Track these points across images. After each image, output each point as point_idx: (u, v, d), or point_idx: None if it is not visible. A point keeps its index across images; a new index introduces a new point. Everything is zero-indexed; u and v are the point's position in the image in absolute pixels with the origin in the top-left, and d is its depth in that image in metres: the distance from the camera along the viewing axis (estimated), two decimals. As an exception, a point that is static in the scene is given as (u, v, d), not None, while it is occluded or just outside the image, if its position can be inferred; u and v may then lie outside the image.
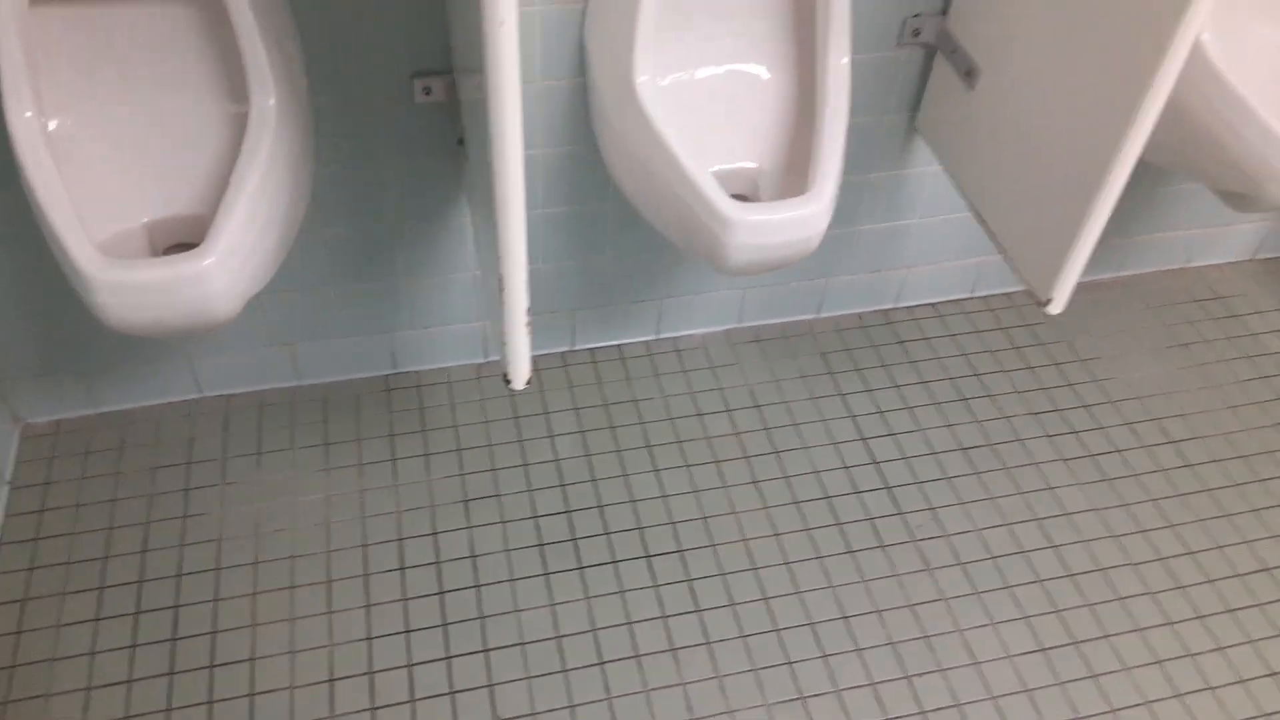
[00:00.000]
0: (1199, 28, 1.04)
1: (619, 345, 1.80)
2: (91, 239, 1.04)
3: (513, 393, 1.61)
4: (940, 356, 1.82)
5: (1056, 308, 1.25)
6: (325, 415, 1.64)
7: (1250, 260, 2.05)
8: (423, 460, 1.59)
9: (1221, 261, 2.03)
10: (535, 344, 1.72)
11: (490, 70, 0.85)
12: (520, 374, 1.13)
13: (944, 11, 1.44)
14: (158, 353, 1.59)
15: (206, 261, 1.04)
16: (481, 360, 1.75)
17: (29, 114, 1.07)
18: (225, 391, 1.66)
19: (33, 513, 1.49)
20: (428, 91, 1.35)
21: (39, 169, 1.05)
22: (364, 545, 1.48)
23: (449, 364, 1.74)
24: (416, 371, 1.72)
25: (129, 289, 1.04)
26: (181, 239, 1.22)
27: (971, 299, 1.92)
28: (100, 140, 1.17)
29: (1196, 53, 1.29)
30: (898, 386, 1.76)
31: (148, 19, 1.15)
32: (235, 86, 1.19)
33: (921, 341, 1.84)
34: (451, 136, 1.42)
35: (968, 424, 1.71)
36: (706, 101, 1.33)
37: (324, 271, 1.54)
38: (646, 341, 1.81)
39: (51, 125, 1.13)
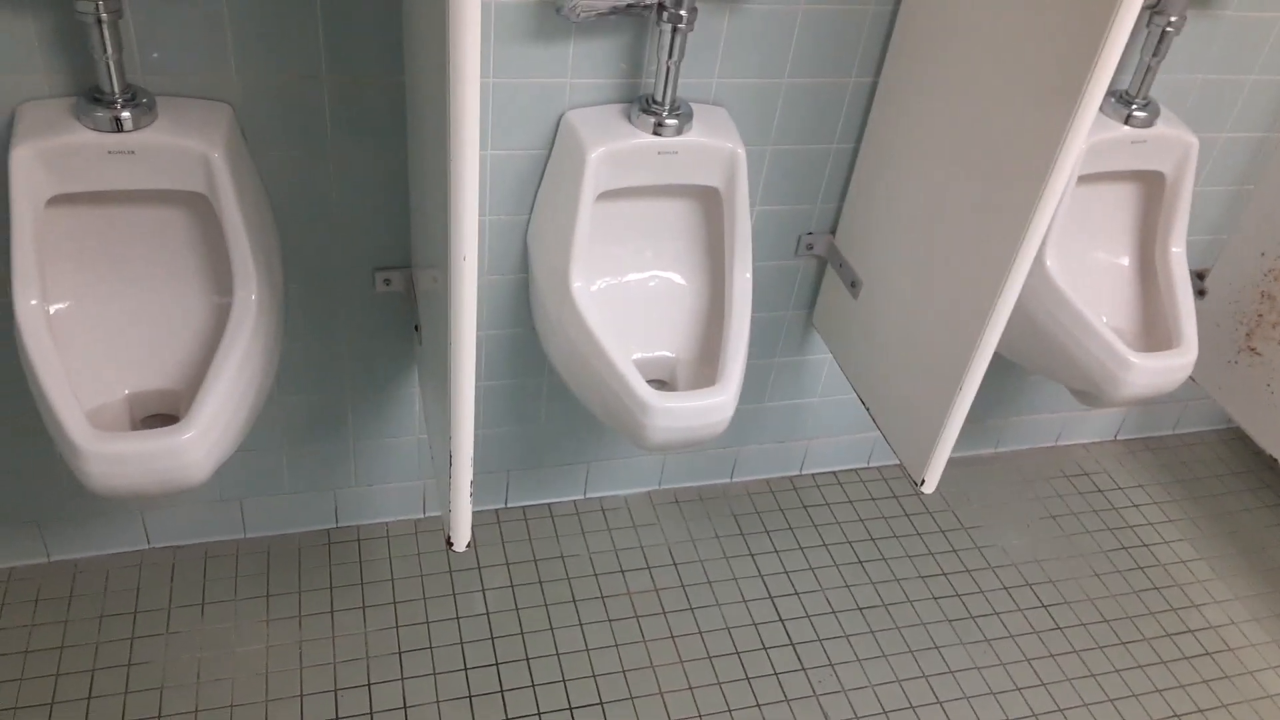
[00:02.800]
0: (1034, 251, 1.27)
1: (549, 504, 1.95)
2: (80, 410, 1.18)
3: (453, 553, 1.73)
4: (840, 521, 2.00)
5: (929, 488, 1.44)
6: (268, 567, 1.74)
7: (1112, 440, 2.30)
8: (360, 613, 1.70)
9: (1087, 441, 2.29)
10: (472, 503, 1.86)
11: (453, 294, 1.04)
12: (462, 537, 1.27)
13: (833, 231, 1.69)
14: (109, 505, 1.68)
15: (186, 436, 1.18)
16: (420, 516, 1.87)
17: (34, 301, 1.21)
18: (173, 543, 1.75)
19: (-21, 659, 1.55)
20: (388, 282, 1.54)
21: (40, 350, 1.19)
22: (301, 695, 1.57)
23: (389, 519, 1.86)
24: (357, 526, 1.84)
25: (114, 459, 1.17)
26: (158, 410, 1.36)
27: (868, 468, 2.12)
28: (94, 322, 1.32)
29: (1042, 273, 1.55)
30: (802, 548, 1.93)
31: (147, 219, 1.32)
32: (219, 278, 1.35)
33: (823, 507, 2.03)
34: (408, 322, 1.59)
35: (864, 585, 1.88)
36: (632, 301, 1.53)
37: (279, 433, 1.67)
38: (575, 501, 1.96)
39: (53, 309, 1.28)
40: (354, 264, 1.52)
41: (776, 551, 1.92)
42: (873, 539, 1.98)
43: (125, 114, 1.21)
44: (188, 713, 1.52)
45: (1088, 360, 1.54)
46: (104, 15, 1.16)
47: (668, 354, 1.54)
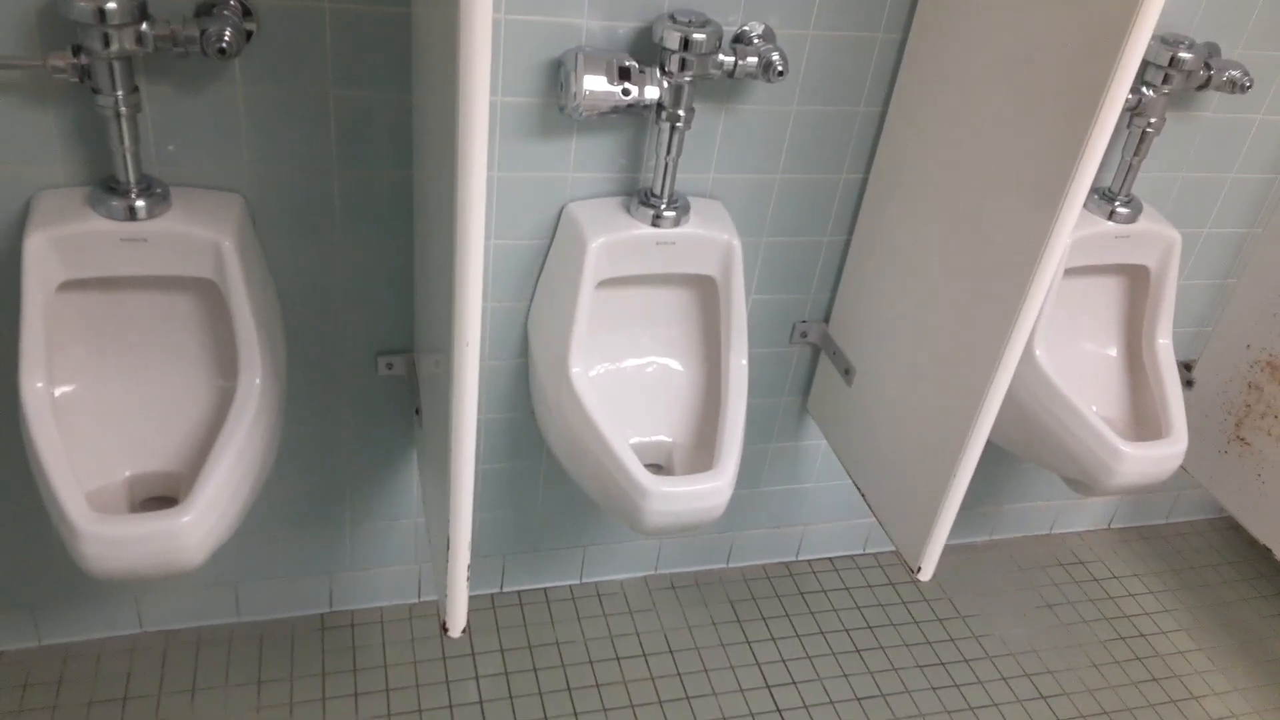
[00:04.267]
0: (1023, 342, 1.30)
1: (545, 589, 1.94)
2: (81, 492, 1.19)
3: (448, 639, 1.72)
4: (836, 609, 1.99)
5: (926, 576, 1.45)
6: (260, 652, 1.73)
7: (1106, 529, 2.31)
8: (352, 700, 1.68)
9: (1081, 529, 2.29)
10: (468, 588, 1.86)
11: (455, 379, 1.06)
12: (458, 623, 1.27)
13: (826, 319, 1.72)
14: (102, 588, 1.68)
15: (184, 519, 1.19)
16: (415, 600, 1.86)
17: (40, 384, 1.23)
18: (166, 627, 1.74)
19: (-37, 746, 1.53)
20: (389, 366, 1.56)
21: (43, 432, 1.21)
22: (289, 785, 1.54)
23: (383, 603, 1.85)
24: (352, 611, 1.83)
25: (111, 541, 1.17)
26: (157, 493, 1.37)
27: (864, 555, 2.12)
28: (99, 403, 1.34)
29: (1032, 363, 1.58)
30: (798, 636, 1.92)
31: (155, 304, 1.35)
32: (224, 363, 1.38)
33: (820, 594, 2.02)
34: (409, 405, 1.61)
35: (861, 675, 1.86)
36: (629, 387, 1.56)
37: (275, 516, 1.68)
38: (571, 586, 1.95)
39: (59, 391, 1.30)
40: (357, 347, 1.54)
41: (773, 639, 1.91)
42: (869, 627, 1.96)
43: (140, 203, 1.25)
44: (174, 803, 1.49)
45: (1079, 449, 1.56)
46: (123, 109, 1.21)
47: (664, 439, 1.56)
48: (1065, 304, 1.70)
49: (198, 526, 1.21)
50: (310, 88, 1.31)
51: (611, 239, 1.43)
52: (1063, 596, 2.11)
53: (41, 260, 1.23)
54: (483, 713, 1.69)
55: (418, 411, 1.51)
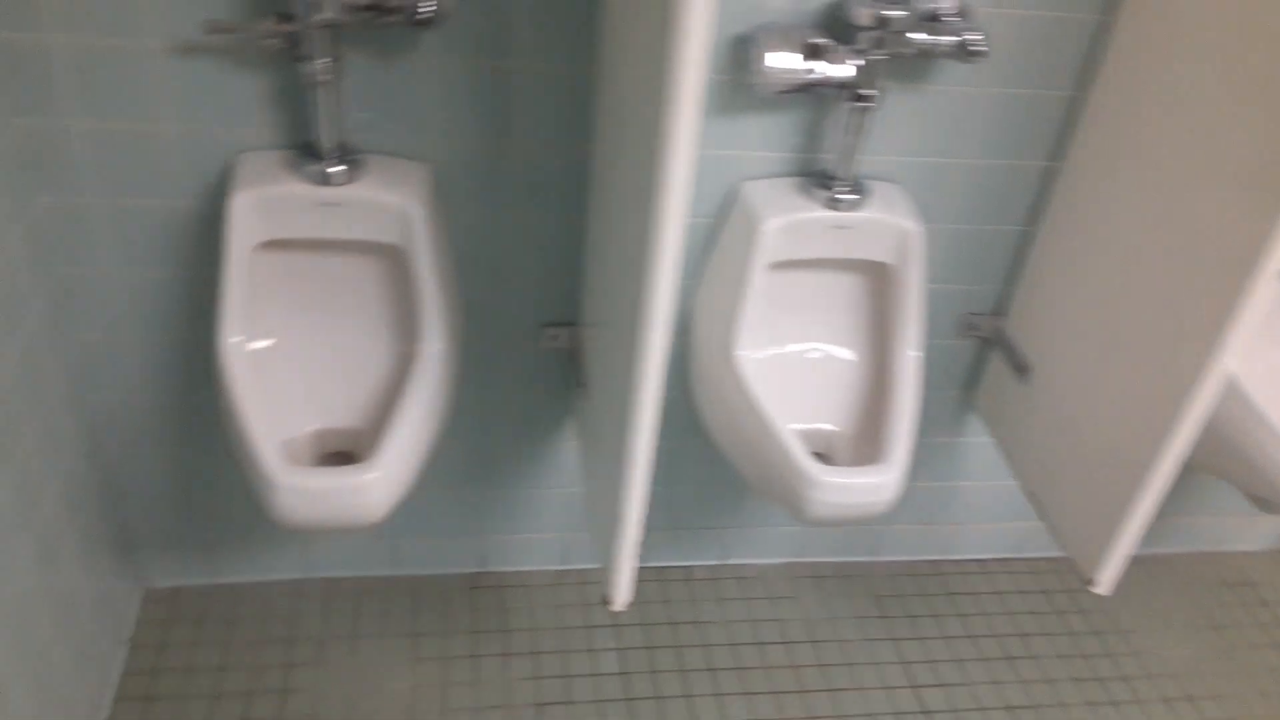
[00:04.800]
0: (1234, 353, 1.22)
1: (686, 566, 1.94)
2: (275, 445, 1.24)
3: (612, 613, 1.75)
4: (987, 613, 1.93)
5: (1102, 589, 1.38)
6: (415, 607, 1.79)
7: (1277, 549, 2.16)
8: (500, 660, 1.72)
9: (1250, 549, 2.15)
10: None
11: (641, 355, 1.06)
12: (622, 597, 1.28)
13: (998, 312, 1.66)
14: (273, 532, 1.76)
15: (370, 475, 1.24)
16: (560, 567, 1.90)
17: (238, 339, 1.29)
18: (329, 574, 1.82)
19: (147, 672, 1.63)
20: (554, 339, 1.58)
21: (240, 385, 1.27)
22: (441, 737, 1.60)
23: (530, 568, 1.89)
24: (500, 572, 1.87)
25: (303, 493, 1.23)
26: (341, 447, 1.42)
27: (1018, 559, 2.05)
28: (291, 359, 1.40)
29: (1228, 377, 1.48)
30: (946, 638, 1.87)
31: (346, 267, 1.40)
32: (406, 327, 1.42)
33: (969, 596, 1.96)
34: (568, 377, 1.63)
35: (1012, 683, 1.80)
36: (794, 372, 1.53)
37: (435, 477, 1.72)
38: (711, 566, 1.95)
39: (256, 345, 1.36)
40: (523, 319, 1.57)
41: (920, 639, 1.86)
42: (1023, 634, 1.90)
43: (336, 169, 1.29)
44: (335, 744, 1.57)
45: (1272, 469, 1.46)
46: (326, 76, 1.25)
47: (828, 427, 1.53)
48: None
49: (382, 483, 1.25)
50: (496, 59, 1.33)
51: (786, 221, 1.41)
52: (1229, 618, 1.99)
53: (244, 219, 1.28)
54: (625, 684, 1.71)
55: (580, 384, 1.53)
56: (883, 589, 1.95)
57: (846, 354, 1.55)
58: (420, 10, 1.23)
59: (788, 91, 1.34)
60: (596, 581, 1.87)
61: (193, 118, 1.31)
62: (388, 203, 1.31)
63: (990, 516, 1.98)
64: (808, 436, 1.53)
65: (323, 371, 1.42)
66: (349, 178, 1.30)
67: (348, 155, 1.31)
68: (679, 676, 1.73)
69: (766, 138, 1.44)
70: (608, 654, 1.76)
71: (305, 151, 1.31)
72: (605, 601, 1.29)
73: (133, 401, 1.56)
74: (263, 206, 1.29)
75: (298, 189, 1.30)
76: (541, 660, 1.73)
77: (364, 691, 1.64)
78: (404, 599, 1.80)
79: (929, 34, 1.32)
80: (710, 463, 1.79)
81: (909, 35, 1.31)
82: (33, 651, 1.34)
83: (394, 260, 1.40)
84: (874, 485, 1.34)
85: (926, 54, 1.33)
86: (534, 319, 1.57)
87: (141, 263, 1.42)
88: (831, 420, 1.53)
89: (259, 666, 1.65)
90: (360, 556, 1.82)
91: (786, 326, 1.55)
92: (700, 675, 1.74)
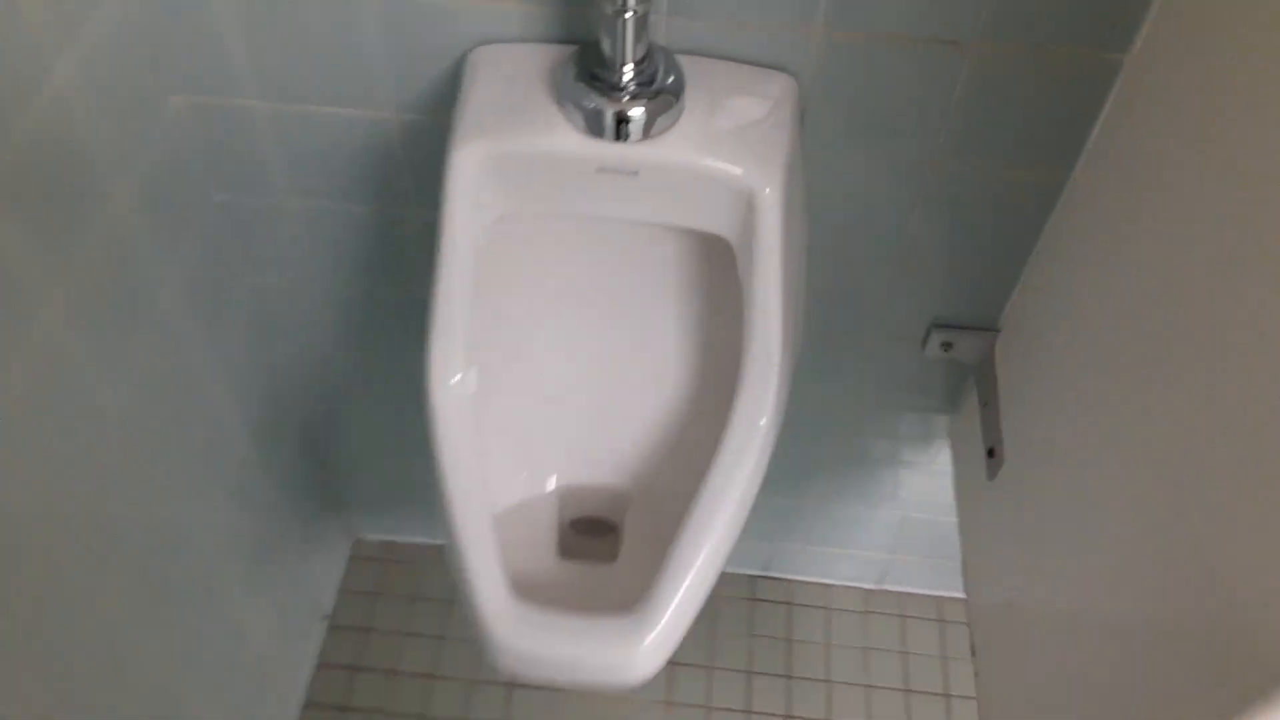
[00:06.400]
0: None
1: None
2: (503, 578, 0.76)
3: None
4: None
5: None
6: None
7: None
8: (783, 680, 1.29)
9: None
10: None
11: None
12: None
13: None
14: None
15: (642, 640, 0.74)
16: (871, 587, 1.40)
17: (456, 378, 0.78)
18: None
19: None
20: (946, 347, 0.97)
21: (454, 459, 0.76)
22: None
23: (832, 582, 1.40)
24: (788, 581, 1.40)
25: (537, 661, 0.76)
26: (595, 512, 0.93)
27: None
28: (526, 382, 0.89)
29: None
30: None
31: (624, 257, 0.84)
32: (709, 356, 0.86)
33: None
34: (945, 394, 1.04)
35: None
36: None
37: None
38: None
39: (474, 375, 0.84)
40: (906, 315, 0.97)
41: None
42: None
43: (635, 110, 0.69)
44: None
45: None
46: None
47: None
48: None
49: (656, 646, 0.76)
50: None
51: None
52: None
53: (471, 187, 0.73)
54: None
55: (991, 454, 0.93)
56: None
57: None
58: None
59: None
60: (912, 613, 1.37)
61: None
62: (719, 176, 0.72)
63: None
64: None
65: (574, 403, 0.90)
66: (656, 126, 0.71)
67: (656, 78, 0.70)
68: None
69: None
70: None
71: (586, 67, 0.71)
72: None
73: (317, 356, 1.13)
74: (505, 169, 0.73)
75: (568, 145, 0.72)
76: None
77: None
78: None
79: None
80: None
81: None
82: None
83: (704, 249, 0.83)
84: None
85: None
86: (923, 317, 0.97)
87: (318, 194, 0.92)
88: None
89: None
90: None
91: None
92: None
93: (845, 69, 0.75)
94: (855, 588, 1.39)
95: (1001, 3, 0.70)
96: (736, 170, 0.71)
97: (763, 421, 0.77)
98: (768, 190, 0.71)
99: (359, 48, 0.78)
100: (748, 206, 0.72)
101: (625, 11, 0.65)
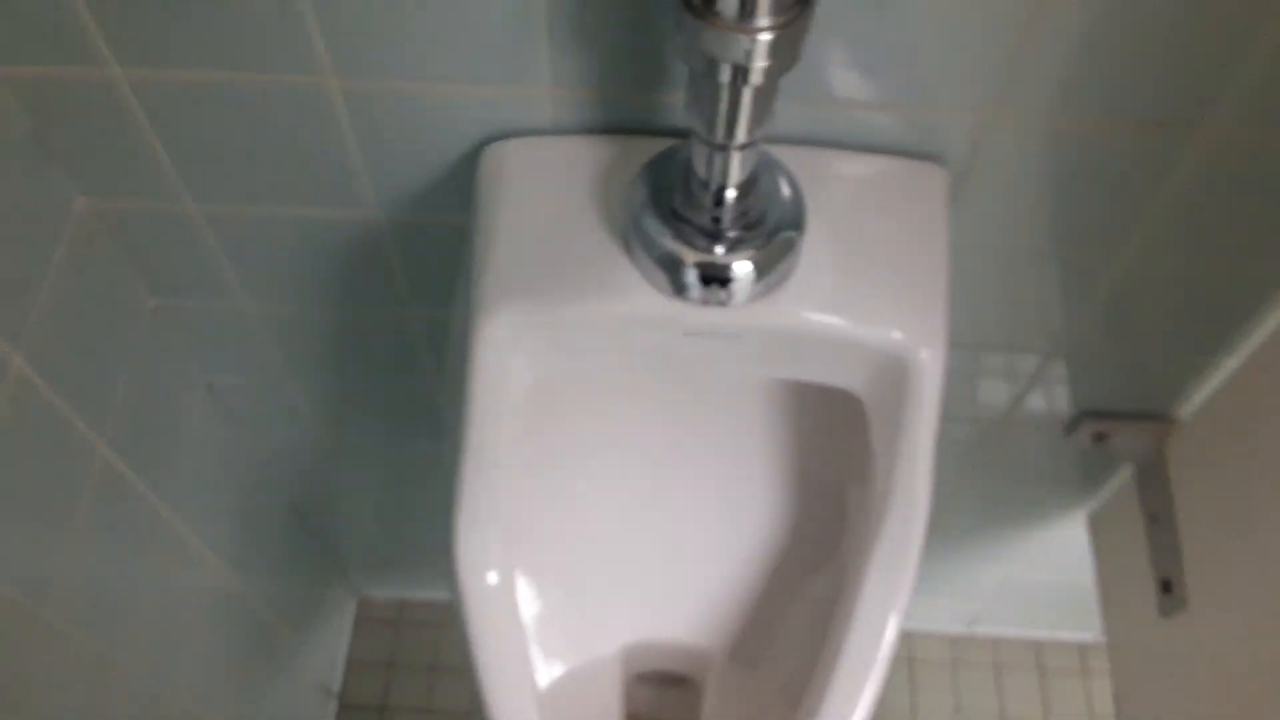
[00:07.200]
0: None
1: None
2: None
3: None
4: None
5: None
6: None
7: None
8: None
9: None
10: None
11: None
12: None
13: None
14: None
15: None
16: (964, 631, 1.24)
17: (492, 578, 0.58)
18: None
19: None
20: (1099, 438, 0.77)
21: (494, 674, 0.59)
22: None
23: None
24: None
25: None
26: (659, 665, 0.75)
27: None
28: (584, 537, 0.69)
29: None
30: None
31: (713, 389, 0.63)
32: (822, 506, 0.66)
33: None
34: (1094, 483, 0.84)
35: None
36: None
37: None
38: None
39: (513, 571, 0.63)
40: (1054, 397, 0.76)
41: None
42: None
43: (741, 266, 0.47)
44: None
45: None
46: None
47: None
48: None
49: None
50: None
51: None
52: None
53: (507, 359, 0.52)
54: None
55: (1166, 588, 0.75)
56: None
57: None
58: None
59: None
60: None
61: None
62: (861, 338, 0.50)
63: None
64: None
65: (641, 554, 0.70)
66: (765, 271, 0.48)
67: (758, 196, 0.48)
68: None
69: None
70: None
71: (659, 172, 0.49)
72: None
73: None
74: (547, 336, 0.52)
75: (640, 308, 0.49)
76: None
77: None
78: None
79: None
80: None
81: None
82: None
83: (822, 391, 0.62)
84: None
85: None
86: (1072, 403, 0.77)
87: (283, 298, 0.70)
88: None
89: None
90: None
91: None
92: None
93: (1021, 159, 0.53)
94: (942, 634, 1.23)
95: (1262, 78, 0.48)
96: (886, 333, 0.50)
97: (892, 618, 0.59)
98: (925, 354, 0.50)
99: (324, 146, 0.55)
100: (897, 369, 0.51)
101: (732, 143, 0.42)
